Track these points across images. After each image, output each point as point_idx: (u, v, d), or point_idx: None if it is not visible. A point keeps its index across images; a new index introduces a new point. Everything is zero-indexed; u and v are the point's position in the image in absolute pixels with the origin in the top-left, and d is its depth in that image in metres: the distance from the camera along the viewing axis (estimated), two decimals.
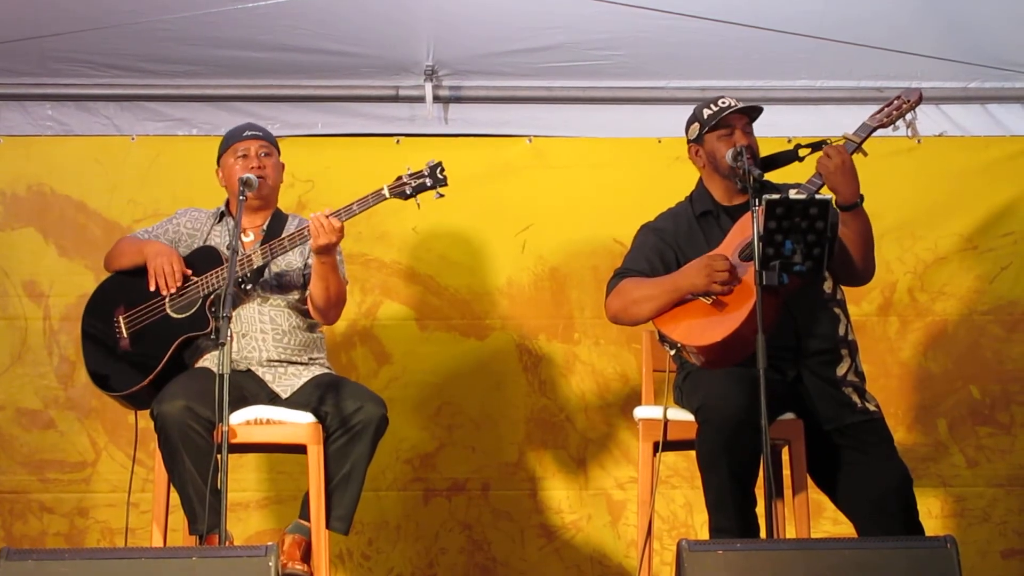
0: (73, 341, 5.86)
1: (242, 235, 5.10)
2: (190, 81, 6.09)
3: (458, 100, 6.20)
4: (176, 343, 4.93)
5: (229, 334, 4.37)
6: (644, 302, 4.80)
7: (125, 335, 5.03)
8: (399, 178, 4.90)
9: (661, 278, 4.82)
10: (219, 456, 4.34)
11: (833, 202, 4.63)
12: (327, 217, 4.78)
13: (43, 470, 5.92)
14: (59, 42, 5.76)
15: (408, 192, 4.90)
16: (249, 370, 4.98)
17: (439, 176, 4.90)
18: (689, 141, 5.01)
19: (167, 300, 4.98)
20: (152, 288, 4.97)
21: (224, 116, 6.05)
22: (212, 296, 4.93)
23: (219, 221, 5.20)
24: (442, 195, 4.91)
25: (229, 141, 5.16)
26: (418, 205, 4.92)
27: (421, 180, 4.89)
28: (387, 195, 4.89)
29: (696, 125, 4.96)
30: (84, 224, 6.04)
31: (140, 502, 5.55)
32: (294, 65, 6.00)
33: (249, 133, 5.15)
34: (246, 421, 4.78)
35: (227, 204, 5.21)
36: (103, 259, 5.26)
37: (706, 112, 4.94)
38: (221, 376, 4.33)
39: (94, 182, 6.07)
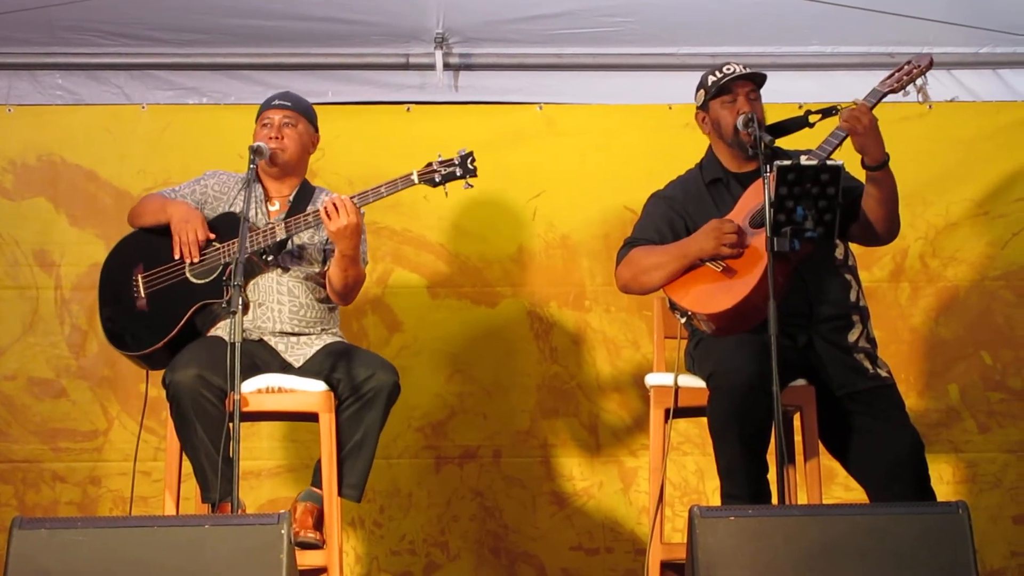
0: (85, 310, 5.87)
1: (268, 203, 5.12)
2: (200, 49, 6.06)
3: (468, 67, 6.17)
4: (192, 309, 4.94)
5: (240, 304, 4.37)
6: (654, 270, 4.80)
7: (143, 295, 5.02)
8: (429, 165, 4.89)
9: (670, 245, 4.82)
10: (231, 424, 4.35)
11: (862, 162, 4.63)
12: (341, 199, 4.77)
13: (55, 439, 5.93)
14: (68, 11, 5.73)
15: (437, 180, 4.88)
16: (262, 340, 4.98)
17: (470, 166, 4.88)
18: (697, 108, 5.00)
19: (187, 264, 4.99)
20: (177, 256, 4.97)
21: (234, 84, 6.05)
22: (232, 265, 4.94)
23: (246, 186, 5.19)
24: (471, 185, 4.90)
25: (261, 108, 5.15)
26: (446, 194, 4.91)
27: (451, 169, 4.88)
28: (416, 181, 4.89)
29: (702, 92, 4.96)
30: (95, 193, 6.04)
31: (153, 471, 5.57)
32: (304, 33, 5.98)
33: (277, 102, 5.12)
34: (258, 389, 4.79)
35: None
36: (124, 219, 5.22)
37: (710, 79, 4.92)
38: (233, 345, 4.34)
39: (104, 151, 6.07)
